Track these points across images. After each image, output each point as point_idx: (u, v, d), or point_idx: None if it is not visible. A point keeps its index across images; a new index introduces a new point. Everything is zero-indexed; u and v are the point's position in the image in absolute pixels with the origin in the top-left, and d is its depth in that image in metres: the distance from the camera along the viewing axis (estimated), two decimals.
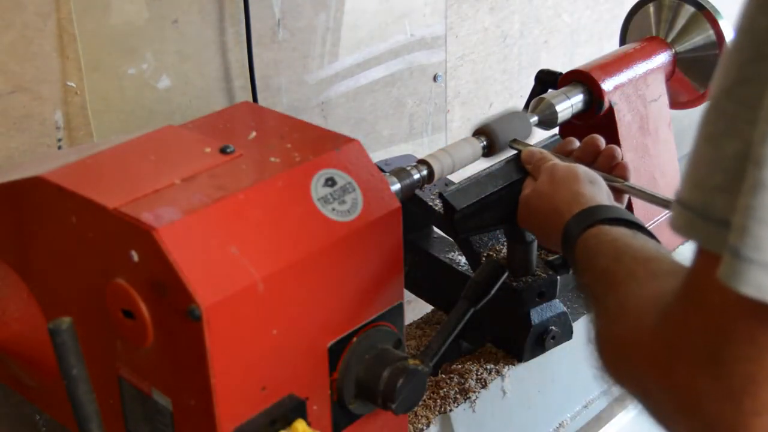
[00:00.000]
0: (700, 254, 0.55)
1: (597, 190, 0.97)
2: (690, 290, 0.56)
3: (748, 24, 0.52)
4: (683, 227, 0.55)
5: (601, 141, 1.09)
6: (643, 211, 1.31)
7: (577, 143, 1.11)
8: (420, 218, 1.30)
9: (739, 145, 0.51)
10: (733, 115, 0.52)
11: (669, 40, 1.45)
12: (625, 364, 0.64)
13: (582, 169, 1.01)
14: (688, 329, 0.56)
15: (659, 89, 1.42)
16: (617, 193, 1.05)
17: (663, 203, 1.03)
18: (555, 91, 1.29)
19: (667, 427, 0.61)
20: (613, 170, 1.07)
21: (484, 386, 1.19)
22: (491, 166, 1.14)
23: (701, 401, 0.55)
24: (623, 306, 0.69)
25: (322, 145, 0.88)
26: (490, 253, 1.20)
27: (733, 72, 0.53)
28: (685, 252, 0.91)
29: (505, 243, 1.19)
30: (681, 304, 0.57)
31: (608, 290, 0.74)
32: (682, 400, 0.57)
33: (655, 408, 0.61)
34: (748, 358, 0.52)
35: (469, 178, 1.13)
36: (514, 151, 1.16)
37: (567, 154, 1.11)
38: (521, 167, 1.12)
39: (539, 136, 1.23)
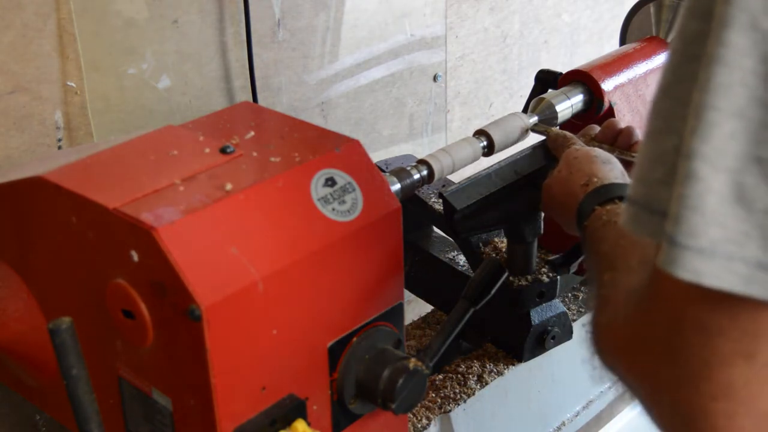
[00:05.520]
0: (657, 247, 0.57)
1: (610, 169, 1.00)
2: (651, 282, 0.58)
3: (680, 28, 0.55)
4: (629, 221, 0.58)
5: (619, 123, 1.16)
6: None
7: (597, 128, 1.16)
8: (420, 218, 1.30)
9: (675, 140, 0.54)
10: (669, 113, 0.55)
11: (669, 40, 1.45)
12: (604, 352, 0.67)
13: (597, 151, 1.04)
14: (649, 319, 0.58)
15: None
16: None
17: None
18: (555, 91, 1.29)
19: (645, 411, 0.63)
20: (632, 148, 1.13)
21: (484, 386, 1.19)
22: (491, 166, 1.14)
23: (663, 388, 0.57)
24: (610, 294, 0.71)
25: (322, 145, 0.88)
26: (490, 247, 1.20)
27: (669, 73, 0.56)
28: None
29: (503, 236, 1.20)
30: (645, 296, 0.59)
31: (603, 276, 0.76)
32: (647, 387, 0.59)
33: (632, 394, 0.63)
34: (700, 343, 0.54)
35: (469, 178, 1.13)
36: (512, 152, 1.16)
37: (589, 138, 1.16)
38: (545, 155, 1.14)
39: (540, 136, 1.23)
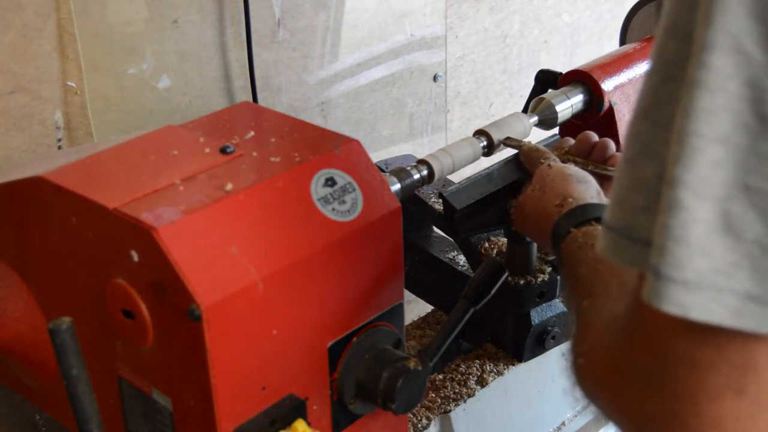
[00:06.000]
0: (639, 277, 0.55)
1: (585, 189, 0.97)
2: (633, 313, 0.56)
3: (659, 48, 0.53)
4: (608, 249, 0.56)
5: (594, 135, 1.12)
6: None
7: (572, 141, 1.13)
8: (420, 218, 1.30)
9: (657, 166, 0.52)
10: (649, 137, 0.53)
11: None
12: (585, 382, 0.64)
13: (572, 170, 1.01)
14: (633, 351, 0.56)
15: None
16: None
17: None
18: (555, 91, 1.29)
19: None
20: (607, 161, 1.09)
21: (484, 386, 1.19)
22: (491, 166, 1.14)
23: (651, 424, 0.55)
24: (589, 322, 0.68)
25: (322, 145, 0.88)
26: (487, 246, 1.20)
27: (648, 95, 0.54)
28: None
29: (499, 234, 1.19)
30: (628, 326, 0.57)
31: (582, 302, 0.73)
32: (633, 422, 0.57)
33: (615, 427, 0.62)
34: (688, 377, 0.52)
35: (469, 178, 1.13)
36: (513, 152, 1.16)
37: (563, 152, 1.13)
38: (520, 167, 1.12)
39: (539, 135, 1.23)
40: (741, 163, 0.48)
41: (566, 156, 1.11)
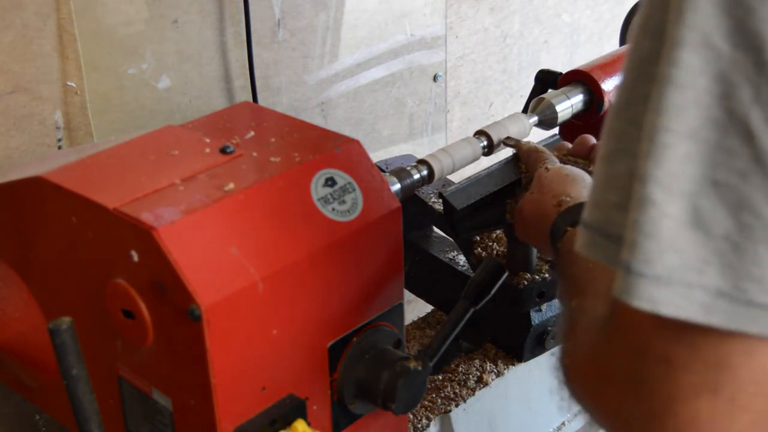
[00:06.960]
0: (613, 274, 0.54)
1: (583, 187, 0.97)
2: (612, 311, 0.56)
3: (634, 47, 0.53)
4: (584, 246, 0.56)
5: (593, 138, 1.11)
6: None
7: (569, 145, 1.12)
8: (420, 218, 1.30)
9: (630, 163, 0.52)
10: (623, 135, 0.53)
11: None
12: (569, 382, 0.64)
13: (569, 170, 1.01)
14: (611, 351, 0.56)
15: None
16: None
17: None
18: (555, 91, 1.29)
19: None
20: None
21: (484, 386, 1.19)
22: (491, 166, 1.14)
23: (629, 424, 0.55)
24: (576, 322, 0.68)
25: (322, 145, 0.88)
26: (483, 247, 1.20)
27: (622, 93, 0.54)
28: None
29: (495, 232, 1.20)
30: (607, 326, 0.57)
31: (571, 301, 0.73)
32: (613, 422, 0.57)
33: (600, 427, 0.61)
34: (664, 377, 0.52)
35: (469, 178, 1.13)
36: (512, 151, 1.16)
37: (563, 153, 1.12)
38: (520, 167, 1.12)
39: (540, 135, 1.23)
40: (710, 158, 0.48)
41: (566, 157, 1.10)
